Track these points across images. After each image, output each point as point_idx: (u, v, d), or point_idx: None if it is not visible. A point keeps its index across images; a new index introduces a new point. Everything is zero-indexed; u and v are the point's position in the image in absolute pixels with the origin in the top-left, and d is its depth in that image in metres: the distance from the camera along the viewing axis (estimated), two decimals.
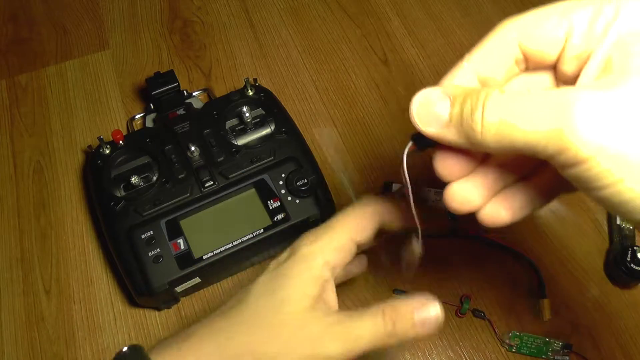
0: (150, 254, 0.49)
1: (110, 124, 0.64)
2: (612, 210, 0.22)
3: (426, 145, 0.26)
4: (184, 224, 0.51)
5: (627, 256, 0.53)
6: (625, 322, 0.54)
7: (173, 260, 0.49)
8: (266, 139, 0.55)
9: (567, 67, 0.25)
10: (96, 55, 0.70)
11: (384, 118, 0.65)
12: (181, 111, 0.57)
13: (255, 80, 0.59)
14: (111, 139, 0.55)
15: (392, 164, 0.62)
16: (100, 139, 0.54)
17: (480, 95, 0.23)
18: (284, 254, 0.34)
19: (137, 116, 0.64)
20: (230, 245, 0.50)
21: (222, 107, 0.57)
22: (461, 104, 0.24)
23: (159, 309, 0.54)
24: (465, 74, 0.26)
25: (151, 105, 0.61)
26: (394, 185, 0.56)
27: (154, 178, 0.53)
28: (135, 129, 0.63)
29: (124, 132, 0.56)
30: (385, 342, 0.30)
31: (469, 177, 0.27)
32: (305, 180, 0.52)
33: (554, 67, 0.26)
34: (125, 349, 0.32)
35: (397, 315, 0.30)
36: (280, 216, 0.51)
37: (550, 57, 0.25)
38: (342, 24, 0.72)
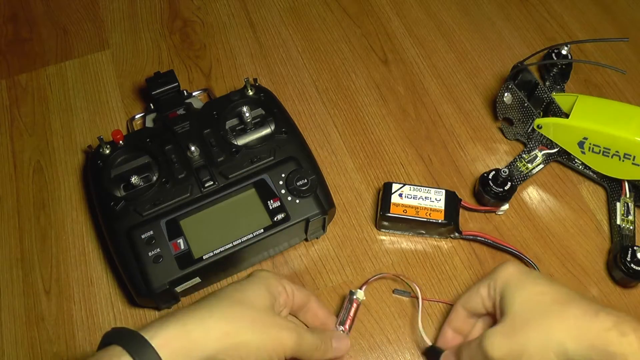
0: (150, 253, 0.49)
1: (110, 124, 0.64)
2: None
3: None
4: (184, 223, 0.51)
5: (627, 256, 0.53)
6: None
7: (173, 260, 0.49)
8: (266, 139, 0.55)
9: (494, 312, 0.45)
10: (96, 55, 0.70)
11: (384, 118, 0.65)
12: (181, 111, 0.57)
13: (255, 80, 0.59)
14: (111, 139, 0.55)
15: (392, 164, 0.62)
16: (100, 139, 0.54)
17: (460, 351, 0.45)
18: (245, 277, 0.46)
19: (137, 116, 0.64)
20: (230, 245, 0.50)
21: (222, 107, 0.57)
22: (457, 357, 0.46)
23: (159, 309, 0.54)
24: (447, 328, 0.49)
25: (151, 105, 0.61)
26: (393, 184, 0.56)
27: (154, 178, 0.53)
28: (135, 129, 0.63)
29: (124, 132, 0.56)
30: (315, 349, 0.44)
31: None
32: (306, 180, 0.52)
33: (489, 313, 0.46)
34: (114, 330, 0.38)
35: (326, 337, 0.46)
36: (280, 216, 0.51)
37: (480, 311, 0.46)
38: (342, 24, 0.72)
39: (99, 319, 0.54)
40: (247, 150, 0.54)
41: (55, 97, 0.67)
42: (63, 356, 0.52)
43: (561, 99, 0.58)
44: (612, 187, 0.59)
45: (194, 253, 0.50)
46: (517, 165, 0.60)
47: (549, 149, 0.59)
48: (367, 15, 0.73)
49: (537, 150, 0.60)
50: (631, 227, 0.56)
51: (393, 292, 0.54)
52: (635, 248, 0.53)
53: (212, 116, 0.56)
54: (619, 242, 0.55)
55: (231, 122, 0.57)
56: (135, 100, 0.66)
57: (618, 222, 0.56)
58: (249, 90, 0.58)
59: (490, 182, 0.56)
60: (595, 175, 0.59)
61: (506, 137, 0.64)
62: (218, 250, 0.50)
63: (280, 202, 0.52)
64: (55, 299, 0.55)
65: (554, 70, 0.64)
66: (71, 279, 0.56)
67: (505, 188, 0.56)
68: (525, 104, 0.58)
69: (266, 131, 0.56)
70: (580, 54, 0.70)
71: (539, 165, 0.60)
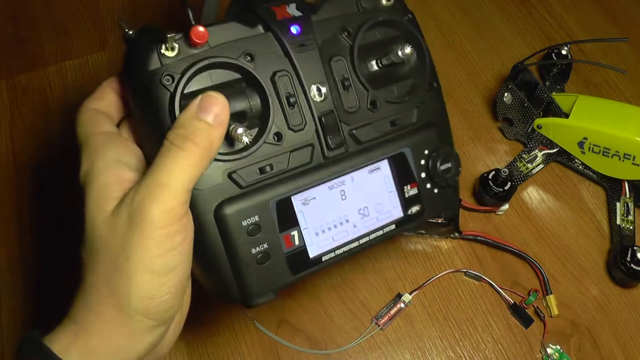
0: (254, 250, 0.34)
1: None
2: None
3: None
4: (298, 207, 0.35)
5: (627, 256, 0.53)
6: (625, 322, 0.54)
7: (284, 260, 0.35)
8: (409, 92, 0.39)
9: None
10: (96, 55, 0.70)
11: None
12: (294, 10, 0.35)
13: None
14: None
15: None
16: (159, 31, 0.32)
17: None
18: None
19: None
20: (357, 244, 0.36)
21: (353, 21, 0.37)
22: None
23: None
24: None
25: None
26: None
27: (255, 123, 0.34)
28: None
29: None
30: (195, 160, 0.29)
31: None
32: (449, 165, 0.39)
33: None
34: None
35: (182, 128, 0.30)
36: (414, 209, 0.38)
37: None
38: None
39: None
40: (387, 106, 0.37)
41: (55, 97, 0.67)
42: None
43: (561, 99, 0.58)
44: (612, 187, 0.59)
45: (310, 251, 0.35)
46: (517, 165, 0.60)
47: (549, 149, 0.60)
48: None
49: (537, 150, 0.60)
50: (631, 227, 0.56)
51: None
52: (635, 248, 0.53)
53: (339, 34, 0.36)
54: (619, 242, 0.55)
55: (365, 54, 0.38)
56: None
57: (618, 222, 0.56)
58: None
59: (490, 182, 0.56)
60: (595, 175, 0.59)
61: (506, 137, 0.64)
62: (341, 251, 0.36)
63: (418, 190, 0.38)
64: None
65: (554, 70, 0.65)
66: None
67: (505, 188, 0.56)
68: (525, 104, 0.58)
69: (409, 80, 0.39)
70: (580, 54, 0.70)
71: (539, 165, 0.60)
